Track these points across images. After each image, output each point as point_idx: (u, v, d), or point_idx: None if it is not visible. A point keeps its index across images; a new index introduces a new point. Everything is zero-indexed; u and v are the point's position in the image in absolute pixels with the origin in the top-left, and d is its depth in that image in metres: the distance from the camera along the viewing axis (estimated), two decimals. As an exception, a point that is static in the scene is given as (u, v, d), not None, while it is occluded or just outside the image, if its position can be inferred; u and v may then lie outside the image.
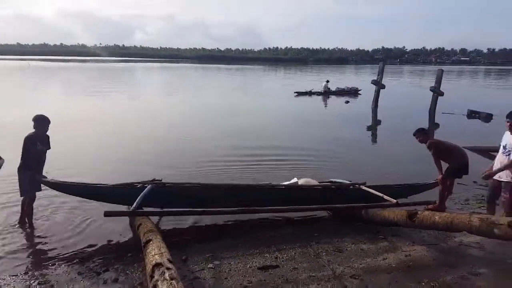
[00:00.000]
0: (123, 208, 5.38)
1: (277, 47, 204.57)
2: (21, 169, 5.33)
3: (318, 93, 26.37)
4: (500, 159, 5.06)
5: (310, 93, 26.22)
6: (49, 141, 5.62)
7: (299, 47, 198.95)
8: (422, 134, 5.84)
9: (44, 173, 5.59)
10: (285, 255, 4.54)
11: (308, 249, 4.72)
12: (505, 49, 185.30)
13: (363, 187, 6.07)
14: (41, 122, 5.45)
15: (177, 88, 32.45)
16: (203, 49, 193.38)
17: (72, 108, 18.23)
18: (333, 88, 27.35)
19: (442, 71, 18.81)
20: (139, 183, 5.63)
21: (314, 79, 43.28)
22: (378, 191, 5.84)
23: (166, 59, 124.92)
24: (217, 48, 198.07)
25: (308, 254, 4.57)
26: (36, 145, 5.38)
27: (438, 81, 18.23)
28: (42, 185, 5.54)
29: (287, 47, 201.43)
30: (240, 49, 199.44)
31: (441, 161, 5.74)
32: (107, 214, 4.69)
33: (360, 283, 3.84)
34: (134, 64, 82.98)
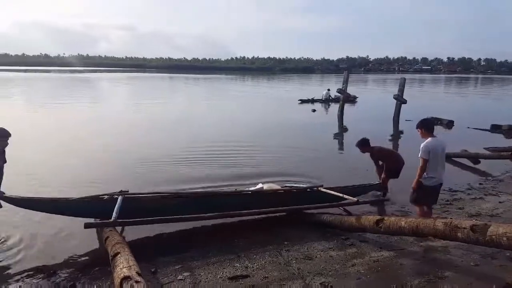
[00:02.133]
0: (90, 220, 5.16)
1: (244, 57, 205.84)
2: None
3: (321, 101, 27.63)
4: None
5: (312, 101, 27.40)
6: (5, 155, 5.16)
7: (265, 57, 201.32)
8: (363, 146, 7.40)
9: (1, 189, 5.18)
10: (255, 264, 4.53)
11: (278, 258, 4.73)
12: (464, 58, 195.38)
13: (323, 189, 6.51)
14: (1, 136, 5.04)
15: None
16: (170, 58, 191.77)
17: (29, 120, 17.48)
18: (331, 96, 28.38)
19: (405, 79, 19.49)
20: (105, 195, 5.56)
21: (287, 87, 44.66)
22: (337, 192, 6.30)
23: (132, 69, 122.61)
24: (184, 58, 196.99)
25: (278, 263, 4.58)
26: None
27: (401, 89, 18.83)
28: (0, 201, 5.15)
29: (254, 56, 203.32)
30: (207, 58, 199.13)
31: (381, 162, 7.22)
32: (88, 225, 4.57)
33: (330, 290, 3.87)
34: (101, 74, 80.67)
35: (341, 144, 14.64)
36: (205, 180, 8.36)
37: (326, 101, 27.76)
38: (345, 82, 21.11)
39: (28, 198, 5.30)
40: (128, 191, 5.79)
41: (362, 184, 7.28)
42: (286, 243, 5.23)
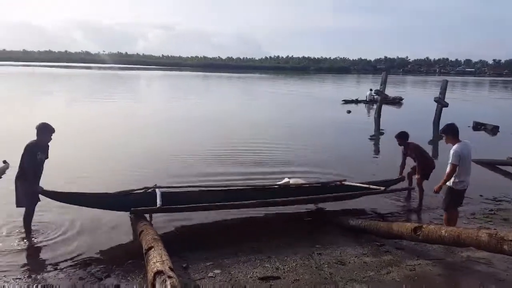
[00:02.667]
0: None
1: (278, 56, 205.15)
2: (18, 179, 5.11)
3: (365, 101, 27.42)
4: None
5: (356, 101, 27.30)
6: (48, 150, 5.35)
7: (300, 56, 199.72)
8: (401, 138, 7.33)
9: (41, 184, 5.27)
10: (286, 266, 4.48)
11: (310, 261, 4.65)
12: (511, 60, 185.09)
13: (347, 183, 6.81)
14: (44, 131, 5.18)
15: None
16: (205, 57, 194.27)
17: (74, 116, 18.07)
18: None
19: (447, 81, 18.76)
20: (141, 189, 5.87)
21: (326, 87, 44.07)
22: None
23: (168, 67, 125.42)
24: (218, 57, 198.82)
25: (310, 266, 4.50)
26: (37, 154, 5.12)
27: (443, 92, 18.14)
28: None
29: (288, 55, 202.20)
30: (241, 57, 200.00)
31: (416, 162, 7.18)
32: (133, 212, 5.16)
33: (363, 297, 3.77)
34: (138, 72, 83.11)
35: (374, 147, 14.23)
36: (235, 174, 8.58)
37: (371, 102, 27.16)
38: (383, 83, 20.53)
39: (65, 192, 5.53)
40: (159, 186, 6.04)
41: (384, 179, 7.30)
42: (317, 246, 5.14)
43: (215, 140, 12.62)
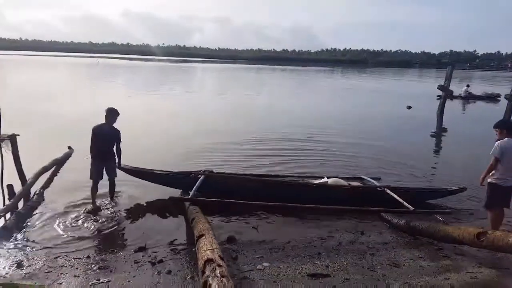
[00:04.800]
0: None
1: (335, 48, 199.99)
2: (91, 156, 6.08)
3: (461, 97, 26.76)
4: None
5: (451, 97, 26.23)
6: (120, 136, 6.12)
7: (358, 49, 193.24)
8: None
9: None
10: (336, 264, 4.38)
11: (362, 261, 4.51)
12: None
13: (387, 191, 6.48)
14: (110, 113, 6.05)
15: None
16: (260, 50, 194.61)
17: (142, 105, 19.05)
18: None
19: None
20: (193, 172, 6.66)
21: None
22: (400, 195, 6.22)
23: (225, 60, 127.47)
24: (273, 49, 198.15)
25: (361, 266, 4.37)
26: (101, 135, 5.96)
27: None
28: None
29: (345, 48, 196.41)
30: (296, 50, 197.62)
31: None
32: (170, 199, 6.02)
33: (417, 303, 3.59)
34: (196, 64, 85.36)
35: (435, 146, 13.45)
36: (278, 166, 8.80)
37: (466, 98, 26.67)
38: (448, 79, 19.34)
39: (137, 169, 6.57)
40: (212, 171, 6.77)
41: (439, 188, 7.08)
42: (370, 246, 4.98)
43: (274, 130, 12.78)
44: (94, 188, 6.07)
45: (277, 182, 6.85)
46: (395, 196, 6.25)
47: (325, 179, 7.02)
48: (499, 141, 5.08)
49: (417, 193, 6.83)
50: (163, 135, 11.99)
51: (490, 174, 5.16)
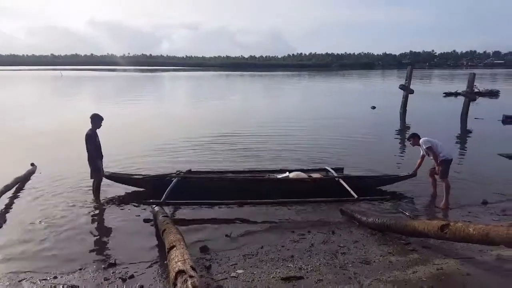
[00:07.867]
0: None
1: (301, 53, 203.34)
2: (88, 160, 6.55)
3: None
4: None
5: (456, 94, 27.43)
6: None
7: (323, 53, 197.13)
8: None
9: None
10: (309, 266, 4.43)
11: (334, 260, 4.59)
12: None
13: (341, 181, 6.96)
14: (97, 119, 6.55)
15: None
16: (227, 56, 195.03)
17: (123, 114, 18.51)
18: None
19: (474, 74, 18.23)
20: (166, 175, 7.06)
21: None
22: (352, 184, 6.75)
23: (192, 68, 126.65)
24: (241, 56, 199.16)
25: (333, 265, 4.44)
26: (95, 138, 6.54)
27: (470, 85, 17.66)
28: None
29: (311, 53, 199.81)
30: (264, 56, 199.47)
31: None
32: (144, 203, 6.15)
33: (388, 297, 3.68)
34: (162, 73, 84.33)
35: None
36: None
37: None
38: (408, 78, 20.07)
39: (114, 174, 7.17)
40: (181, 172, 7.25)
41: (391, 174, 7.64)
42: (341, 245, 5.05)
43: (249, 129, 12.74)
44: (98, 186, 6.74)
45: (244, 180, 7.19)
46: (345, 185, 6.75)
47: (287, 174, 7.39)
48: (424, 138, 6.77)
49: (370, 180, 7.42)
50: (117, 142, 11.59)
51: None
